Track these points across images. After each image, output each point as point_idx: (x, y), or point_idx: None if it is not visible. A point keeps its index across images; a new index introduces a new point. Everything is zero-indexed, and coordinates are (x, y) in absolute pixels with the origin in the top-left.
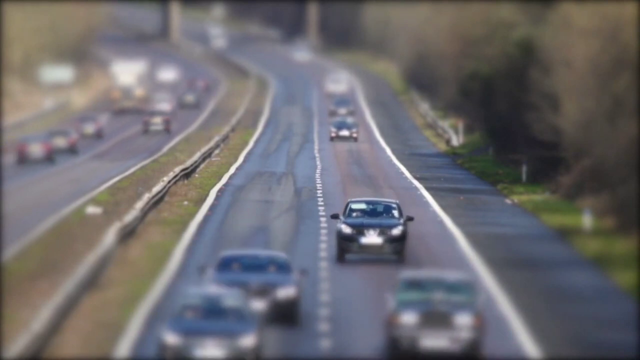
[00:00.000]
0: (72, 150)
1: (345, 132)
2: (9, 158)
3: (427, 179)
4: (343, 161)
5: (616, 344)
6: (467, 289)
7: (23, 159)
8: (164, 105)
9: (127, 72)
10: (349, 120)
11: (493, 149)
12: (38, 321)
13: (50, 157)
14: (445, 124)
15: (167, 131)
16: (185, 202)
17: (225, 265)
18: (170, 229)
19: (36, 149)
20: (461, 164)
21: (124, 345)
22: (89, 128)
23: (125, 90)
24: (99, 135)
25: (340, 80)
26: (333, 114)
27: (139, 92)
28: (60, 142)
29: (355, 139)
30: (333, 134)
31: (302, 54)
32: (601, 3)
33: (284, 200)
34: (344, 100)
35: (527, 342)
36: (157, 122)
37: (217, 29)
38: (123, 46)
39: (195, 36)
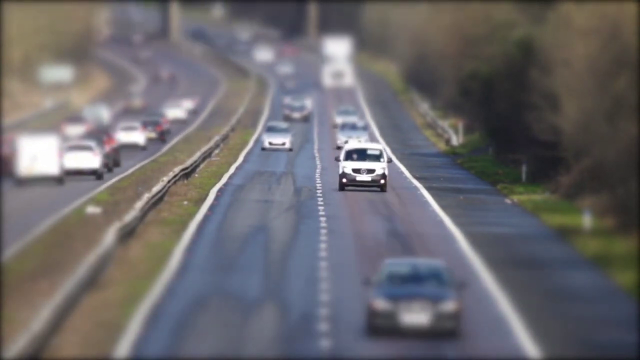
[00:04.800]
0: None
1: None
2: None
3: (427, 178)
4: None
5: (616, 344)
6: None
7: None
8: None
9: None
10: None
11: (493, 148)
12: (38, 321)
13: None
14: (445, 123)
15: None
16: (185, 202)
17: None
18: (169, 228)
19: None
20: (461, 163)
21: (124, 345)
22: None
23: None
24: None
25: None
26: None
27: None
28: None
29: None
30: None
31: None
32: (601, 3)
33: (284, 199)
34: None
35: (527, 342)
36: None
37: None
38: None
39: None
